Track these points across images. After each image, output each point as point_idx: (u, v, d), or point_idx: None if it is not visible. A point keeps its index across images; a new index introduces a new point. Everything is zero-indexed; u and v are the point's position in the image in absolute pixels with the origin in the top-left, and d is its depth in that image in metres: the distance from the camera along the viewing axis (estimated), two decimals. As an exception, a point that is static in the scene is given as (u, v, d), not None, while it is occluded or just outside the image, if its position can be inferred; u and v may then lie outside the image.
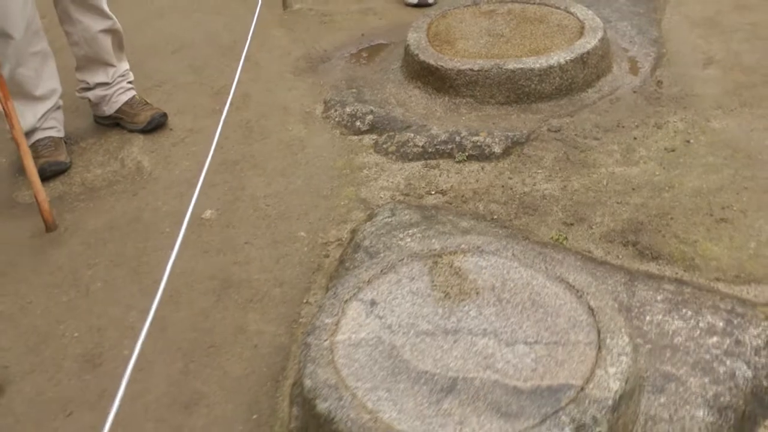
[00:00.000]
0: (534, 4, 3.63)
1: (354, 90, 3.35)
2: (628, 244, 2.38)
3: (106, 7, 3.14)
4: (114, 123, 3.33)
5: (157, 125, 3.27)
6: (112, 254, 2.64)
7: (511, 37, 3.38)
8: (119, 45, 3.26)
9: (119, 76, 3.29)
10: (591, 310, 1.88)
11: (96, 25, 3.15)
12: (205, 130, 3.19)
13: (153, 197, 2.89)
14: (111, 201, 2.91)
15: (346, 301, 1.95)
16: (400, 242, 2.36)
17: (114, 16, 3.17)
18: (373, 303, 1.95)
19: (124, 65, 3.32)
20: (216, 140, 2.47)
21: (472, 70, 3.15)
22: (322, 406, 1.68)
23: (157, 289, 2.30)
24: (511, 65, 3.13)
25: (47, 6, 3.09)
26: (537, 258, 2.07)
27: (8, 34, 2.92)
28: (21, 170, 2.94)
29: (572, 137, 2.91)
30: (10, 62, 2.95)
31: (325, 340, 1.84)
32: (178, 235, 2.50)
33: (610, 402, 1.63)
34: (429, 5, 4.07)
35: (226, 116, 3.05)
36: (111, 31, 3.19)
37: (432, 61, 3.23)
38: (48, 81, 3.11)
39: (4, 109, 2.77)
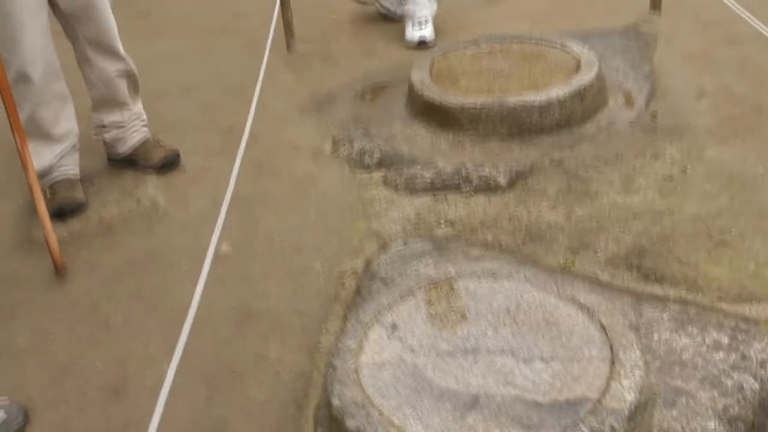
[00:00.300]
0: (531, 42, 3.76)
1: (360, 127, 3.46)
2: (632, 268, 2.48)
3: (122, 50, 3.25)
4: (128, 162, 3.42)
5: (170, 164, 3.36)
6: (131, 289, 2.71)
7: (510, 74, 3.50)
8: (134, 87, 3.36)
9: (133, 117, 3.39)
10: (603, 327, 1.97)
11: (112, 67, 3.25)
12: (217, 169, 3.28)
13: (169, 234, 2.98)
14: (127, 238, 2.99)
15: (369, 325, 2.04)
16: (415, 270, 2.46)
17: (129, 59, 3.28)
18: (394, 326, 2.04)
19: (138, 106, 3.42)
20: (233, 178, 2.59)
21: (474, 106, 3.27)
22: (351, 424, 1.76)
23: (177, 321, 2.41)
24: (512, 101, 3.25)
25: (65, 48, 3.20)
26: (548, 281, 2.17)
27: (28, 75, 3.02)
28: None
29: (573, 168, 3.02)
30: (29, 103, 3.05)
31: (351, 362, 1.92)
32: (195, 270, 2.62)
33: (626, 412, 1.71)
34: (429, 47, 4.19)
35: (237, 155, 3.16)
36: (126, 73, 3.30)
37: (436, 98, 3.34)
38: (66, 122, 3.21)
39: (19, 152, 2.87)
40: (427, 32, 4.29)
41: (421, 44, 4.26)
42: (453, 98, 3.32)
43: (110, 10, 3.19)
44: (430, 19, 4.35)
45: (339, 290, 2.53)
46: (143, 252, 2.90)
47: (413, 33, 4.31)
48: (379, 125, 3.47)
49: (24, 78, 3.02)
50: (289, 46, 4.17)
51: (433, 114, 3.36)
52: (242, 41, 4.49)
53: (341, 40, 4.42)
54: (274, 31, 3.75)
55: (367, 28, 4.53)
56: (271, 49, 3.57)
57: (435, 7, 4.40)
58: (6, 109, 2.81)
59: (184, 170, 3.36)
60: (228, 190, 2.32)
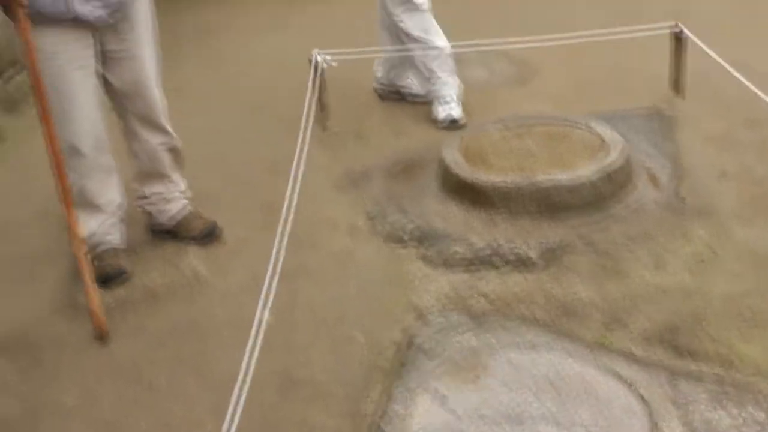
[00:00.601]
0: (557, 123, 3.90)
1: (395, 204, 3.58)
2: (666, 345, 2.55)
3: (168, 125, 3.39)
4: (169, 233, 3.53)
5: (210, 236, 3.48)
6: (174, 354, 2.81)
7: (539, 154, 3.62)
8: (177, 160, 3.50)
9: (175, 189, 3.52)
10: (642, 398, 2.04)
11: (157, 140, 3.39)
12: (256, 241, 3.39)
13: (210, 303, 3.08)
14: (170, 306, 3.10)
15: (416, 392, 2.12)
16: (455, 342, 2.54)
17: (174, 134, 3.42)
18: (439, 393, 2.12)
19: (181, 178, 3.55)
20: (275, 251, 2.70)
21: (505, 184, 3.38)
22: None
23: (220, 386, 2.49)
24: (542, 179, 3.37)
25: (112, 121, 3.34)
26: (586, 353, 2.24)
27: (78, 149, 3.17)
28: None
29: (604, 247, 3.12)
30: (77, 174, 3.18)
31: (399, 427, 1.99)
32: (237, 338, 2.70)
33: (670, 481, 1.78)
34: (459, 127, 4.32)
35: (276, 229, 3.27)
36: (171, 147, 3.44)
37: (468, 177, 3.47)
38: (112, 193, 3.33)
39: (67, 220, 3.00)
40: (456, 112, 4.42)
41: (452, 123, 4.38)
42: (484, 177, 3.44)
43: (159, 88, 3.35)
44: (457, 98, 4.49)
45: (380, 360, 2.61)
46: (186, 319, 3.00)
47: (443, 113, 4.44)
48: (412, 202, 3.58)
49: (74, 150, 3.16)
50: (323, 124, 4.32)
51: (465, 192, 3.48)
52: (276, 118, 4.65)
53: (372, 119, 4.57)
54: (308, 109, 3.89)
55: (397, 107, 4.68)
56: (305, 127, 3.70)
57: (461, 86, 4.55)
58: (56, 178, 2.95)
59: (224, 242, 3.47)
60: (270, 262, 2.42)
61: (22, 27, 2.84)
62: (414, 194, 3.66)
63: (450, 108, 4.44)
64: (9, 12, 2.87)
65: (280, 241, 2.82)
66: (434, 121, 4.46)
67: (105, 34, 3.12)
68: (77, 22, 3.00)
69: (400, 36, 4.49)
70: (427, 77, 4.53)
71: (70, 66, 3.07)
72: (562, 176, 3.36)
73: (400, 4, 4.39)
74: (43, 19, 2.95)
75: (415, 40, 4.42)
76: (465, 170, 3.51)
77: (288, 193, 3.06)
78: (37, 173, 4.42)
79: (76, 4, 2.95)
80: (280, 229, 2.83)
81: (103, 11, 3.02)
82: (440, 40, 4.47)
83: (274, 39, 6.39)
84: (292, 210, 3.20)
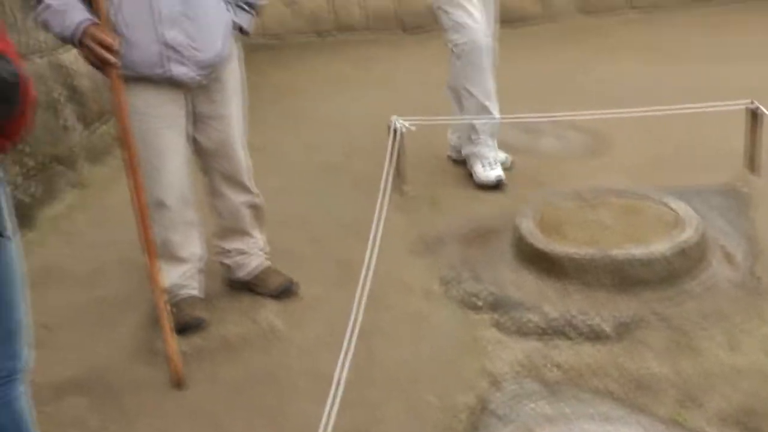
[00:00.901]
0: (632, 197, 3.93)
1: (469, 270, 3.64)
2: (742, 428, 2.54)
3: (251, 184, 3.51)
4: (246, 287, 3.63)
5: (287, 292, 3.57)
6: (250, 403, 2.89)
7: (613, 226, 3.66)
8: (258, 218, 3.61)
9: (255, 245, 3.63)
10: (721, 478, 2.04)
11: (240, 199, 3.51)
12: (332, 299, 3.47)
13: (286, 355, 3.17)
14: (246, 356, 3.19)
15: (493, 457, 2.15)
16: (529, 409, 2.57)
17: (257, 192, 3.54)
18: (517, 461, 2.15)
19: (260, 235, 3.66)
20: (354, 309, 2.77)
21: (580, 256, 3.42)
22: None
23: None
24: (616, 253, 3.39)
25: (196, 176, 3.47)
26: (662, 429, 2.25)
27: (164, 203, 3.29)
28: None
29: (677, 323, 3.12)
30: (162, 227, 3.30)
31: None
32: (313, 392, 2.77)
33: None
34: (504, 187, 4.50)
35: (352, 289, 3.34)
36: (253, 205, 3.56)
37: (542, 247, 3.51)
38: (193, 246, 3.45)
39: (149, 271, 3.12)
40: (500, 172, 4.56)
41: (499, 183, 4.50)
42: (559, 248, 3.49)
43: (244, 148, 3.48)
44: (496, 160, 4.62)
45: (454, 422, 2.65)
46: (262, 370, 3.08)
47: (487, 173, 4.57)
48: (487, 268, 3.64)
49: (160, 204, 3.28)
50: (399, 188, 4.41)
51: (540, 261, 3.52)
52: (352, 178, 4.78)
53: (447, 185, 4.67)
54: (387, 174, 3.99)
55: (470, 175, 4.76)
56: (384, 191, 3.80)
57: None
58: (141, 229, 3.08)
59: (300, 298, 3.56)
60: (350, 318, 2.50)
61: (115, 86, 2.99)
62: (488, 261, 3.72)
63: (493, 168, 4.57)
64: (104, 71, 3.04)
65: (359, 300, 2.89)
66: (480, 182, 4.57)
67: (197, 95, 3.25)
68: (172, 83, 3.14)
69: (463, 96, 4.62)
70: (472, 138, 4.65)
71: (162, 124, 3.20)
72: (637, 250, 3.39)
73: (466, 65, 4.52)
74: (138, 78, 3.10)
75: (476, 100, 4.55)
76: (540, 240, 3.56)
77: (367, 254, 3.14)
78: (118, 220, 4.61)
79: (172, 65, 3.09)
80: (359, 289, 2.91)
81: (197, 73, 3.14)
82: (496, 109, 4.63)
83: (345, 100, 6.59)
84: (371, 271, 3.29)
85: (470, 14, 4.47)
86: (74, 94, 5.32)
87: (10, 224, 2.06)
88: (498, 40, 4.72)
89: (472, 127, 4.62)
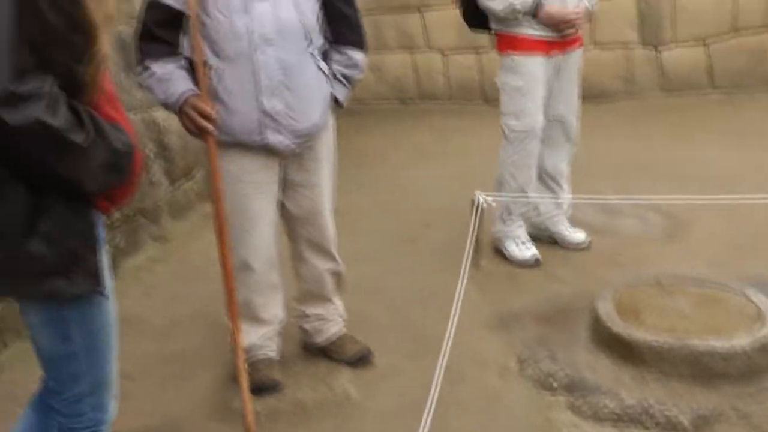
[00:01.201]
0: (713, 287, 3.89)
1: (545, 349, 3.63)
2: None
3: (335, 252, 3.59)
4: (322, 352, 3.69)
5: (363, 360, 3.62)
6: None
7: (693, 316, 3.62)
8: (340, 285, 3.68)
9: (334, 312, 3.69)
10: None
11: (324, 266, 3.58)
12: (407, 369, 3.51)
13: (361, 424, 3.21)
14: (320, 421, 3.25)
15: None
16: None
17: (341, 260, 3.61)
18: None
19: (340, 302, 3.72)
20: (435, 381, 2.79)
21: (658, 344, 3.39)
22: None
23: None
24: (696, 343, 3.36)
25: (282, 241, 3.55)
26: None
27: (250, 266, 3.38)
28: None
29: (758, 421, 3.06)
30: (246, 289, 3.38)
31: None
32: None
33: None
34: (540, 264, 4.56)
35: (428, 360, 3.37)
36: (335, 273, 3.63)
37: (621, 332, 3.49)
38: (276, 308, 3.53)
39: (232, 331, 3.19)
40: (535, 250, 4.63)
41: (536, 262, 4.57)
42: (637, 334, 3.46)
43: (331, 216, 3.55)
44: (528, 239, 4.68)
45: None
46: (338, 436, 3.12)
47: (523, 252, 4.63)
48: (563, 349, 3.63)
49: (246, 266, 3.37)
50: (476, 262, 4.44)
51: (617, 346, 3.50)
52: (430, 250, 4.84)
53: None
54: (469, 248, 4.03)
55: (550, 251, 4.77)
56: (459, 263, 3.83)
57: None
58: (226, 290, 3.16)
59: (375, 366, 3.60)
60: (428, 392, 2.52)
61: (210, 151, 3.10)
62: (564, 341, 3.71)
63: (528, 247, 4.64)
64: (201, 137, 3.16)
65: (439, 373, 2.91)
66: (516, 260, 4.61)
67: (289, 162, 3.34)
68: (267, 150, 3.24)
69: (505, 180, 4.67)
70: (504, 219, 4.70)
71: (255, 190, 3.30)
72: (717, 343, 3.35)
73: (517, 152, 4.58)
74: (234, 144, 3.22)
75: (517, 186, 4.61)
76: (618, 324, 3.54)
77: (448, 327, 3.17)
78: (198, 275, 4.74)
79: (269, 133, 3.19)
80: (439, 362, 2.94)
81: (293, 141, 3.24)
82: (567, 189, 4.74)
83: (425, 169, 6.69)
84: (449, 344, 3.32)
85: (533, 100, 4.50)
86: (163, 150, 5.52)
87: (108, 283, 2.15)
88: (579, 119, 4.76)
89: (506, 208, 4.67)
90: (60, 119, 1.78)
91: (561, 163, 4.78)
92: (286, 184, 3.40)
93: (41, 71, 1.78)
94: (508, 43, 4.50)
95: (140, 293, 4.64)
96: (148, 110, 5.30)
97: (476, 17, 4.59)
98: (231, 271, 3.15)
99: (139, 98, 5.11)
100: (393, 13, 9.19)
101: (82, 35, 1.89)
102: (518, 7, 4.31)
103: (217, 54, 3.13)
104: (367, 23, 3.53)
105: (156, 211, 5.40)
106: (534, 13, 4.33)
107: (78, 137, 1.84)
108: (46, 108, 1.75)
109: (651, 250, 4.76)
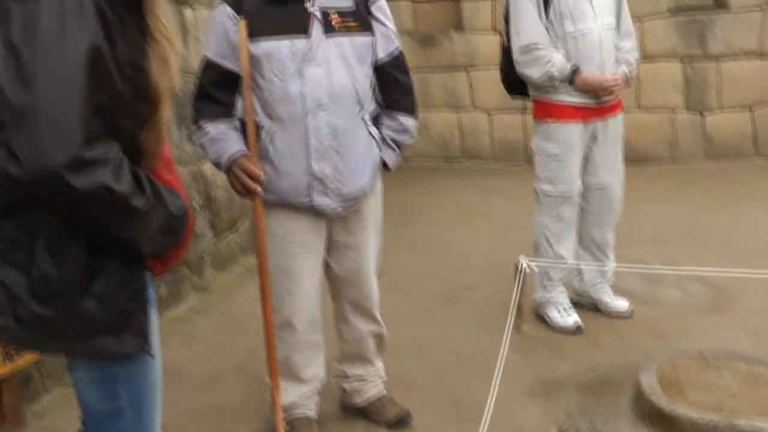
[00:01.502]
0: (761, 364, 3.82)
1: (586, 420, 3.59)
2: None
3: (378, 314, 3.58)
4: (361, 413, 3.67)
5: (402, 423, 3.59)
6: None
7: (740, 394, 3.56)
8: (381, 347, 3.67)
9: (374, 373, 3.68)
10: None
11: (366, 327, 3.57)
12: (446, 432, 3.49)
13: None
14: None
15: None
16: None
17: (382, 323, 3.60)
18: None
19: (380, 364, 3.71)
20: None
21: (704, 422, 3.32)
22: None
23: None
24: (744, 425, 3.28)
25: (325, 300, 3.56)
26: None
27: (293, 325, 3.38)
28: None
29: (805, 505, 2.99)
30: (287, 347, 3.38)
31: None
32: None
33: None
34: (578, 331, 4.52)
35: (467, 425, 3.35)
36: (377, 335, 3.62)
37: (665, 407, 3.43)
38: (316, 368, 3.52)
39: (271, 389, 3.19)
40: (577, 317, 4.57)
41: (578, 329, 4.52)
42: (682, 411, 3.39)
43: (376, 279, 3.56)
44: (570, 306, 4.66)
45: None
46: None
47: (565, 319, 4.58)
48: (604, 420, 3.58)
49: (289, 326, 3.38)
50: (518, 327, 4.42)
51: (660, 420, 3.43)
52: (471, 312, 4.82)
53: (567, 328, 4.63)
54: (512, 313, 4.01)
55: (593, 319, 4.72)
56: (501, 326, 3.81)
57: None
58: (267, 348, 3.17)
59: (414, 429, 3.57)
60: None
61: (257, 211, 3.16)
62: (606, 412, 3.65)
63: (570, 314, 4.59)
64: (247, 197, 3.21)
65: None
66: (558, 327, 4.57)
67: (335, 224, 3.36)
68: (314, 211, 3.26)
69: (541, 245, 4.65)
70: (545, 285, 4.67)
71: (300, 250, 3.32)
72: (765, 425, 3.27)
73: (551, 217, 4.57)
74: (281, 204, 3.26)
75: (553, 252, 4.58)
76: (662, 399, 3.48)
77: (490, 393, 3.14)
78: (238, 328, 4.77)
79: (316, 195, 3.22)
80: (481, 429, 2.91)
81: (339, 204, 3.26)
82: (611, 256, 4.72)
83: (468, 229, 6.70)
84: (482, 410, 3.30)
85: (569, 166, 4.49)
86: (209, 202, 5.59)
87: (156, 344, 2.17)
88: (623, 184, 4.74)
89: (546, 274, 4.63)
90: (124, 185, 1.82)
91: (606, 233, 4.75)
92: (331, 245, 3.42)
93: (108, 137, 1.82)
94: (544, 110, 4.52)
95: (181, 344, 4.67)
96: (197, 163, 5.39)
97: (516, 84, 4.62)
98: (272, 328, 3.18)
99: (188, 151, 5.21)
100: (441, 72, 9.30)
101: (146, 103, 1.94)
102: (555, 74, 4.33)
103: (269, 116, 3.18)
104: (414, 81, 3.56)
105: (199, 263, 5.46)
106: (571, 80, 4.35)
107: (139, 202, 1.87)
108: (112, 173, 1.79)
109: (694, 321, 4.70)
